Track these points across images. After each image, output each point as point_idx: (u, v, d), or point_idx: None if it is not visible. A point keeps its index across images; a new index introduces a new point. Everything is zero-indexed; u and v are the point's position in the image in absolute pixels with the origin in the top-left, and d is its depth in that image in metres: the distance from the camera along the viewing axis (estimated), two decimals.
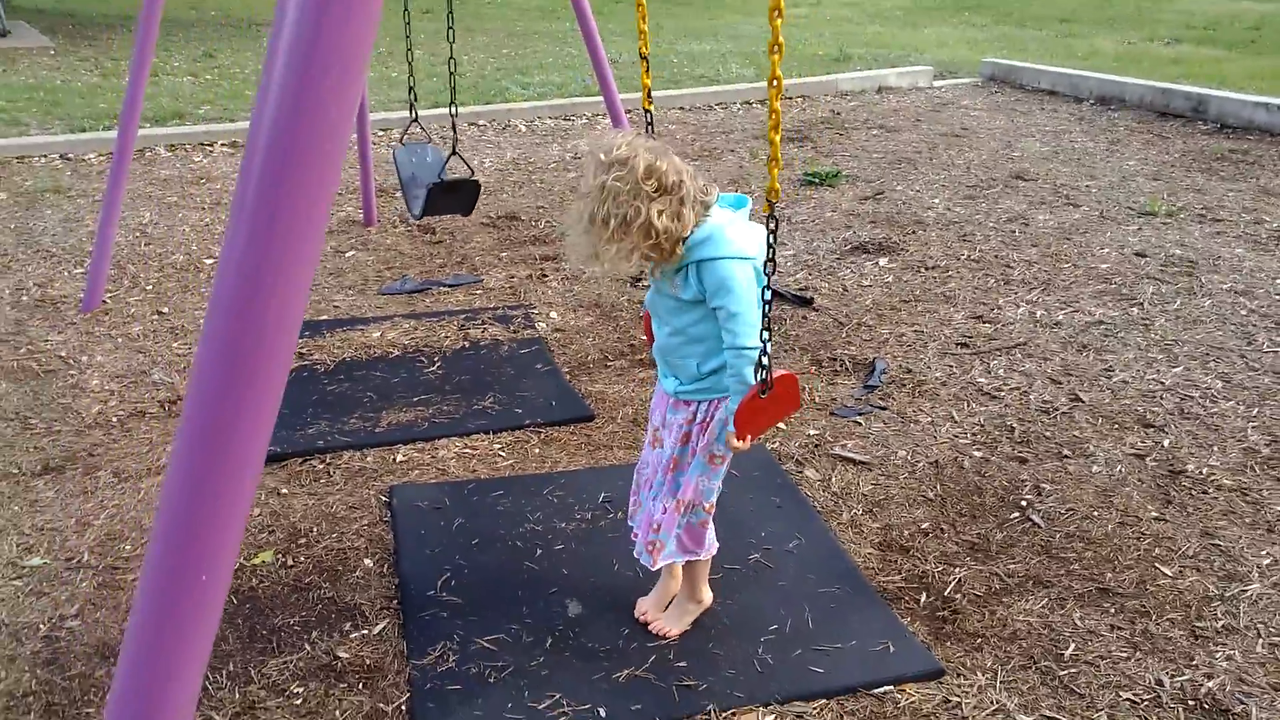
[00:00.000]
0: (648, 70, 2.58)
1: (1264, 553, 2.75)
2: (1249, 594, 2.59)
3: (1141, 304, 4.43)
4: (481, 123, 8.22)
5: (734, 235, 2.16)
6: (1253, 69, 10.01)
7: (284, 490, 3.16)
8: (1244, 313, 4.30)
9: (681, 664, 2.42)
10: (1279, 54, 11.08)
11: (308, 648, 2.47)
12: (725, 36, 13.36)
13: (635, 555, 2.49)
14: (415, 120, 4.85)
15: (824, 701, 2.29)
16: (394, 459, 3.36)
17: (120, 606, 2.61)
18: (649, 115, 2.60)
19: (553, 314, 4.56)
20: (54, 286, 4.78)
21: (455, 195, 4.56)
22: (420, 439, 3.49)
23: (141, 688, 1.04)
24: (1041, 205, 5.88)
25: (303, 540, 2.91)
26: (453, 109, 4.61)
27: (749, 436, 2.22)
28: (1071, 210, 5.76)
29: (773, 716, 2.25)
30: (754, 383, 2.17)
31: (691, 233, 2.15)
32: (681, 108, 8.89)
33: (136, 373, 3.92)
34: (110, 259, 4.61)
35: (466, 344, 4.25)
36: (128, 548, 2.85)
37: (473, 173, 4.63)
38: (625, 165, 2.07)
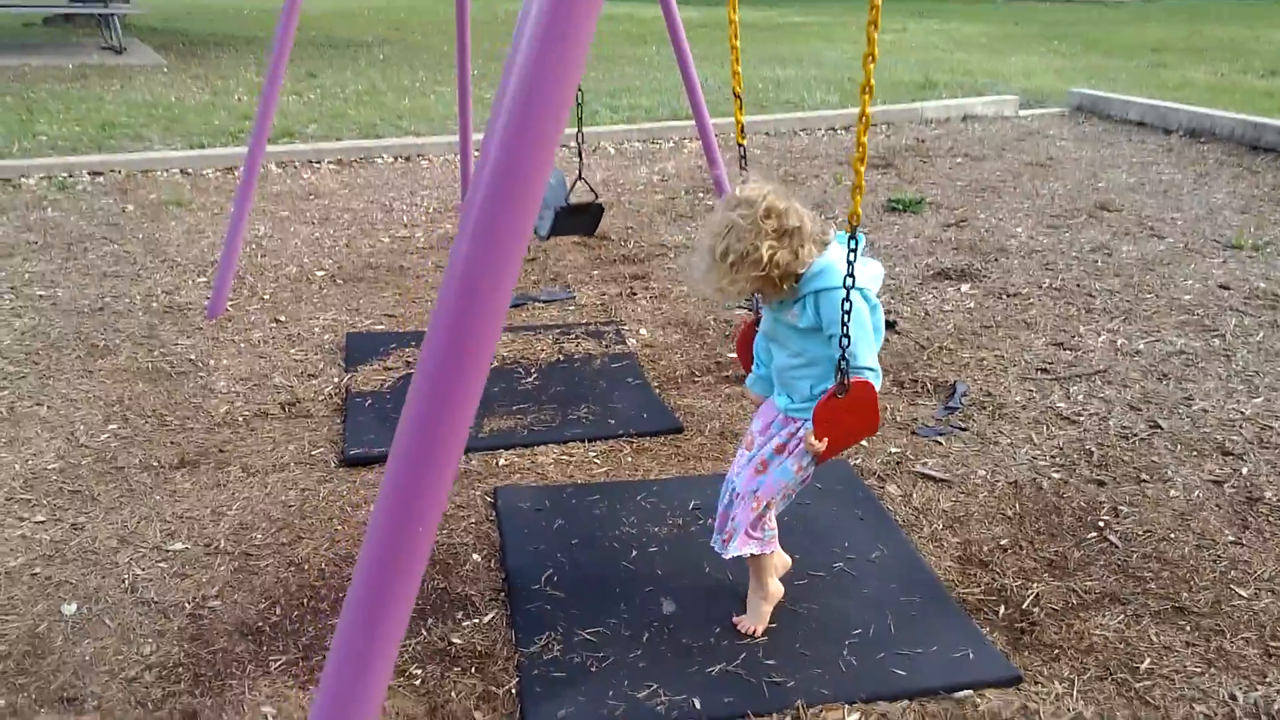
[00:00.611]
0: (741, 107, 2.78)
1: None
2: None
3: (1224, 335, 4.47)
4: (572, 145, 8.50)
5: (844, 264, 2.34)
6: None
7: None
8: None
9: (770, 662, 2.58)
10: None
11: (424, 633, 2.69)
12: (809, 63, 13.52)
13: (711, 543, 2.69)
14: None
15: (906, 702, 2.43)
16: (497, 463, 3.58)
17: (255, 590, 2.86)
18: (742, 150, 2.81)
19: (642, 330, 4.76)
20: (181, 294, 5.15)
21: (580, 217, 4.82)
22: (520, 445, 3.72)
23: (365, 619, 1.27)
24: (1125, 236, 5.91)
25: None
26: (579, 135, 4.85)
27: (826, 440, 2.39)
28: (1156, 242, 5.79)
29: (857, 714, 2.39)
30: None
31: (808, 268, 2.37)
32: (767, 133, 9.08)
33: (259, 376, 4.23)
34: (234, 270, 4.96)
35: (561, 357, 4.47)
36: (258, 536, 3.12)
37: (597, 196, 4.88)
38: (750, 205, 2.31)
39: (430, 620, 2.74)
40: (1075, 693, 2.44)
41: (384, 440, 3.69)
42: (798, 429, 2.51)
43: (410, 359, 4.42)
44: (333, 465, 3.54)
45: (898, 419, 3.84)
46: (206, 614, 2.76)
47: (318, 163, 8.01)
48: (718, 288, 2.38)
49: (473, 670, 2.56)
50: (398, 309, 5.04)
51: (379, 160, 8.18)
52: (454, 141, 8.15)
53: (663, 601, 2.82)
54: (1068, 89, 10.39)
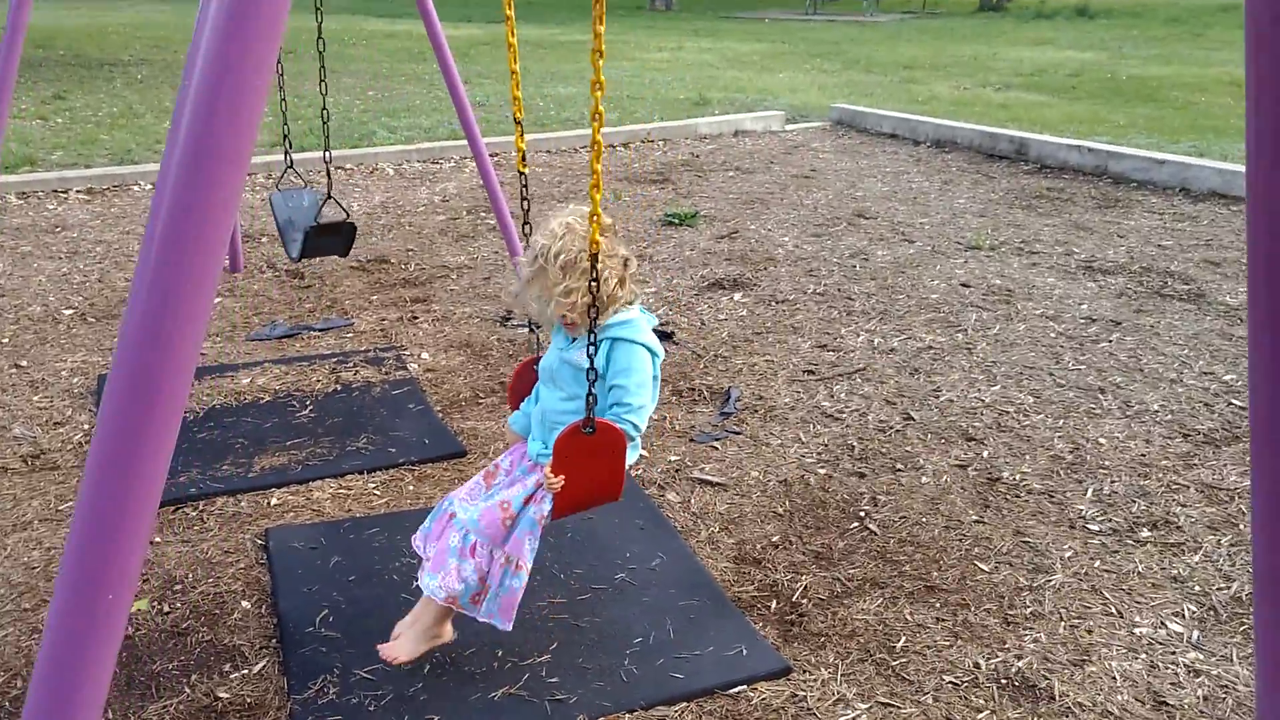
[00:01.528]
0: (522, 135, 2.75)
1: (1066, 546, 3.12)
2: (1053, 583, 2.94)
3: (965, 330, 4.88)
4: (349, 166, 8.28)
5: (650, 332, 2.40)
6: (1071, 114, 10.96)
7: (157, 539, 3.19)
8: (1053, 335, 4.79)
9: (554, 679, 2.59)
10: (1094, 100, 12.15)
11: (188, 690, 2.54)
12: (590, 81, 13.72)
13: (424, 585, 2.45)
14: (291, 166, 4.95)
15: (684, 704, 2.50)
16: (268, 503, 3.43)
17: None
18: (524, 178, 2.77)
19: (424, 354, 4.69)
20: None
21: (332, 237, 4.70)
22: (294, 482, 3.57)
23: (53, 703, 1.17)
24: (880, 241, 6.35)
25: (178, 587, 2.96)
26: (326, 154, 4.73)
27: (563, 478, 2.33)
28: (907, 246, 6.25)
29: None
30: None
31: (617, 312, 2.38)
32: (549, 150, 9.15)
33: None
34: None
35: (339, 387, 4.33)
36: None
37: (348, 215, 4.76)
38: (589, 217, 2.29)
39: (194, 676, 2.58)
40: (839, 677, 2.58)
41: None
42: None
43: None
44: None
45: (676, 428, 3.96)
46: None
47: (64, 192, 7.41)
48: (539, 295, 2.34)
49: None
50: None
51: (135, 187, 7.65)
52: None
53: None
54: (830, 104, 11.05)
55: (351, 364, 4.55)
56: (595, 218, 2.23)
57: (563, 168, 8.58)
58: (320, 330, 4.99)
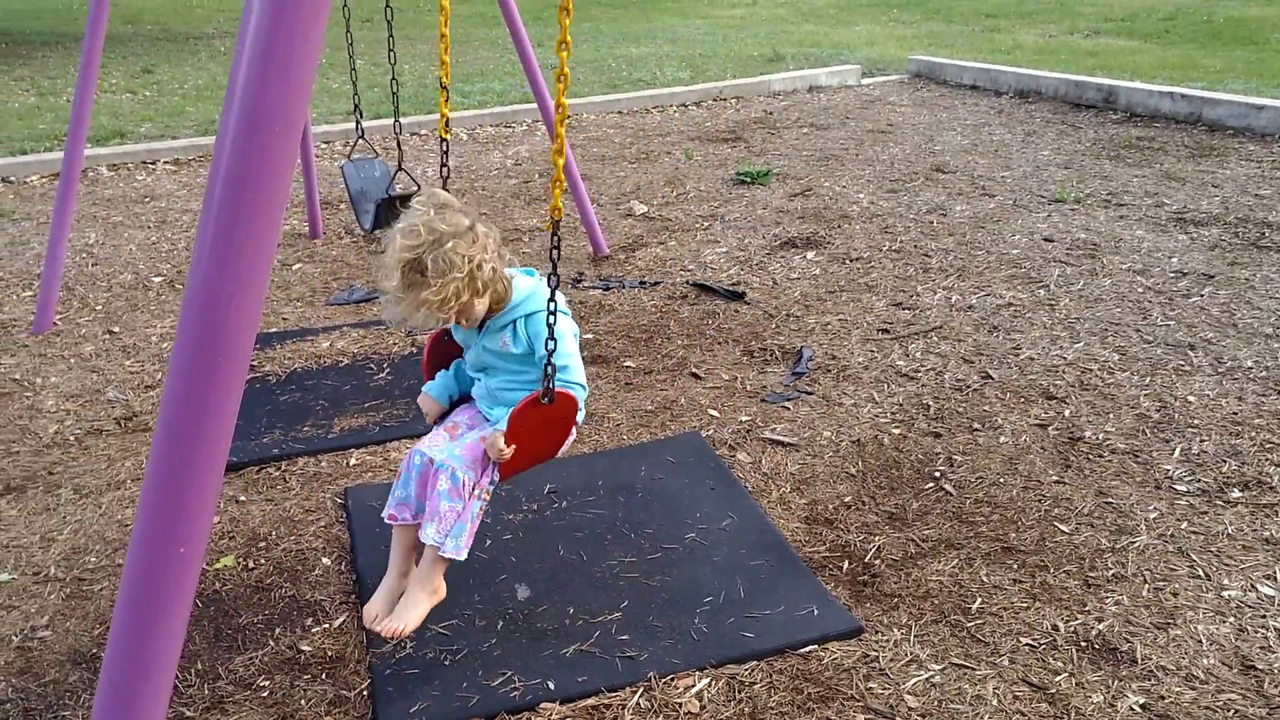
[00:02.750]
0: (447, 100, 2.69)
1: (1151, 508, 3.02)
2: (1137, 545, 2.85)
3: (1048, 286, 4.73)
4: (423, 132, 8.35)
5: (546, 293, 2.33)
6: (1163, 59, 10.47)
7: (242, 498, 3.30)
8: (1140, 290, 4.61)
9: (624, 637, 2.62)
10: (1189, 44, 11.58)
11: (272, 643, 2.63)
12: (663, 39, 13.59)
13: (432, 539, 2.41)
14: (361, 135, 5.03)
15: (755, 663, 2.50)
16: (347, 463, 3.51)
17: (89, 615, 2.74)
18: (445, 144, 2.72)
19: None
20: (3, 310, 4.85)
21: (404, 208, 4.75)
22: (372, 443, 3.65)
23: (130, 653, 1.21)
24: (959, 196, 6.17)
25: (262, 544, 3.06)
26: (396, 125, 4.78)
27: (513, 447, 2.33)
28: (987, 200, 6.06)
29: (708, 679, 2.45)
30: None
31: (511, 292, 2.38)
32: (620, 111, 9.09)
33: (91, 391, 4.03)
34: (59, 280, 4.69)
35: (414, 349, 4.40)
36: (92, 560, 2.98)
37: (419, 186, 4.82)
38: (447, 209, 2.27)
39: (278, 629, 2.67)
40: (912, 638, 2.55)
41: (234, 446, 3.56)
42: None
43: (255, 361, 4.28)
44: None
45: (748, 388, 3.93)
46: (36, 645, 2.63)
47: (153, 164, 7.63)
48: (416, 305, 2.23)
49: (323, 677, 2.51)
50: None
51: None
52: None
53: (517, 588, 2.82)
54: (908, 56, 10.74)
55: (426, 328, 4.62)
56: (557, 183, 2.21)
57: (634, 128, 8.52)
58: None
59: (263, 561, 2.97)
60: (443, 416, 2.67)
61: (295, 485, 3.38)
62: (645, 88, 9.88)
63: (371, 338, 4.50)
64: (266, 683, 2.49)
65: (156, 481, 1.20)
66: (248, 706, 2.42)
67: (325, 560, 2.98)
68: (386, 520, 2.56)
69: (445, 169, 2.70)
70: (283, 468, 3.48)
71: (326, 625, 2.70)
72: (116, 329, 4.65)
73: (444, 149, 2.71)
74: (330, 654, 2.59)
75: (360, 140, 5.02)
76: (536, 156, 7.67)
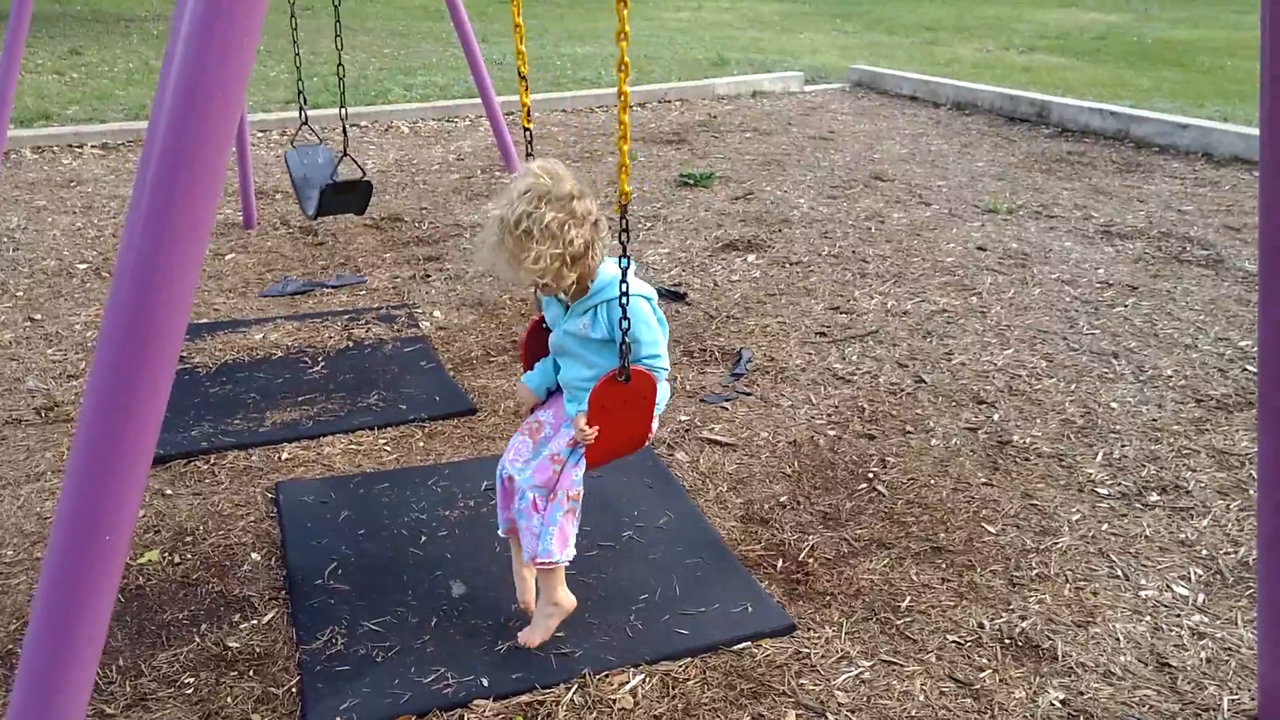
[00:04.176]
0: (527, 90, 2.73)
1: (1074, 510, 3.11)
2: (1059, 546, 2.93)
3: (980, 293, 4.84)
4: (364, 123, 8.24)
5: (632, 277, 2.33)
6: (1094, 77, 10.78)
7: (168, 491, 3.23)
8: (1068, 299, 4.74)
9: (559, 634, 2.60)
10: (1119, 63, 11.94)
11: (197, 640, 2.57)
12: (607, 39, 13.58)
13: (527, 557, 2.50)
14: (305, 123, 4.94)
15: (689, 660, 2.51)
16: (279, 457, 3.45)
17: (5, 610, 2.65)
18: (529, 134, 2.74)
19: (436, 313, 4.69)
20: None
21: (348, 195, 4.70)
22: (305, 437, 3.59)
23: (50, 645, 1.18)
24: (897, 204, 6.29)
25: (189, 539, 2.99)
26: (342, 111, 4.71)
27: (596, 429, 2.35)
28: (923, 209, 6.18)
29: (642, 675, 2.46)
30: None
31: (596, 276, 2.35)
32: (564, 110, 9.07)
33: (10, 380, 3.90)
34: None
35: (350, 344, 4.34)
36: (9, 553, 2.89)
37: (364, 174, 4.76)
38: (555, 177, 2.24)
39: (204, 626, 2.62)
40: (843, 635, 2.59)
41: (161, 439, 3.47)
42: None
43: (184, 353, 4.18)
44: None
45: (686, 388, 3.95)
46: None
47: (79, 147, 7.41)
48: (509, 261, 2.26)
49: (250, 673, 2.46)
50: None
51: None
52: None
53: (452, 585, 2.80)
54: (849, 65, 10.90)
55: (364, 321, 4.56)
56: (624, 169, 2.20)
57: (578, 127, 8.52)
58: (333, 287, 4.99)
59: (189, 556, 2.91)
60: (536, 408, 2.64)
61: (224, 479, 3.31)
62: (590, 87, 9.88)
63: (306, 330, 4.43)
64: (191, 680, 2.44)
65: (82, 465, 1.17)
66: (171, 704, 2.36)
67: (254, 555, 2.92)
68: (502, 535, 2.65)
69: (530, 155, 2.62)
70: (211, 461, 3.41)
71: (255, 621, 2.64)
72: (38, 316, 4.51)
73: (529, 137, 2.70)
74: (258, 650, 2.54)
75: (304, 126, 4.94)
76: (479, 152, 7.62)
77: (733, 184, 6.77)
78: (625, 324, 2.29)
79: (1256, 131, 7.16)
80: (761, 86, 10.10)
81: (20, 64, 4.27)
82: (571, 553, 2.48)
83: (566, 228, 2.23)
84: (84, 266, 5.15)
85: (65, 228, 5.70)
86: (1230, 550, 2.89)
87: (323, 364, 4.15)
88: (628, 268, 2.26)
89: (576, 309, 2.39)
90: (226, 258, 5.35)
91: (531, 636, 2.54)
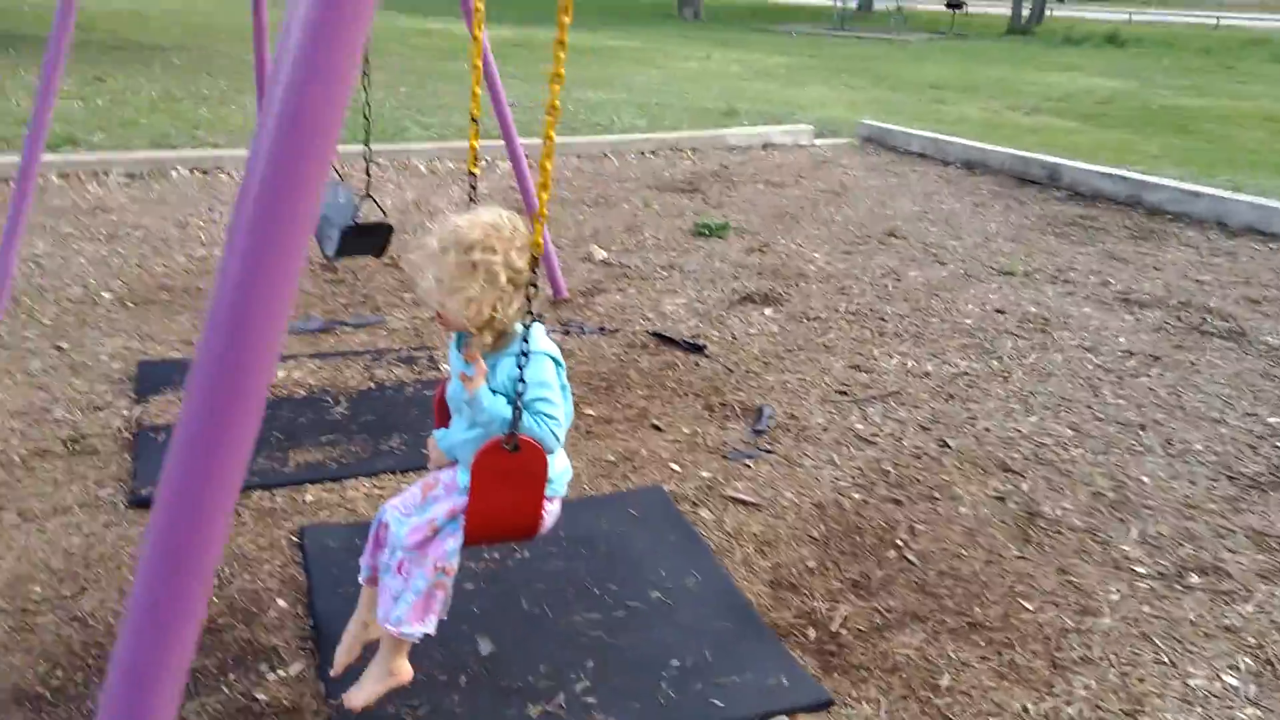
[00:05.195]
0: (477, 134, 2.64)
1: (1112, 588, 3.08)
2: (1101, 626, 2.90)
3: (1001, 357, 4.84)
4: (381, 160, 8.25)
5: (547, 339, 2.26)
6: (1101, 141, 10.91)
7: None
8: (1091, 367, 4.75)
9: (591, 700, 2.56)
10: (1124, 127, 12.10)
11: (225, 690, 2.52)
12: (620, 87, 13.73)
13: (379, 617, 2.33)
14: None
15: None
16: (303, 499, 3.41)
17: (33, 649, 2.60)
18: (473, 178, 2.66)
19: None
20: None
21: (368, 238, 4.69)
22: (329, 479, 3.55)
23: (137, 676, 1.17)
24: (912, 262, 6.32)
25: (215, 581, 2.94)
26: (367, 151, 4.72)
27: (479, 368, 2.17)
28: (939, 268, 6.21)
29: None
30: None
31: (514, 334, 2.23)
32: (578, 155, 9.13)
33: (38, 410, 3.86)
34: (8, 292, 4.50)
35: (373, 385, 4.32)
36: (37, 589, 2.83)
37: (386, 215, 4.76)
38: (503, 216, 2.18)
39: (232, 675, 2.56)
40: (883, 713, 2.55)
41: None
42: None
43: None
44: (121, 507, 3.27)
45: (709, 443, 3.93)
46: None
47: (105, 174, 7.41)
48: (445, 280, 2.12)
49: None
50: (195, 335, 4.73)
51: (174, 173, 7.65)
52: None
53: (479, 641, 2.75)
54: (858, 120, 11.01)
55: (385, 362, 4.54)
56: (540, 218, 2.11)
57: (592, 173, 8.56)
58: (353, 326, 4.97)
59: (215, 600, 2.85)
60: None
61: (249, 520, 3.27)
62: (603, 132, 9.95)
63: (328, 369, 4.40)
64: None
65: (176, 489, 1.16)
66: None
67: (281, 602, 2.87)
68: (362, 583, 2.50)
69: (473, 201, 2.58)
70: (237, 501, 3.36)
71: (283, 673, 2.59)
72: (64, 345, 4.47)
73: (471, 184, 2.64)
74: (286, 704, 2.49)
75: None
76: (496, 193, 7.64)
77: (748, 235, 6.80)
78: (521, 387, 2.13)
79: (1269, 202, 7.24)
80: (772, 138, 10.19)
81: (56, 92, 4.27)
82: (427, 629, 2.30)
83: (509, 289, 2.15)
84: (108, 296, 5.12)
85: (91, 255, 5.68)
86: (1279, 638, 2.87)
87: (345, 405, 4.12)
88: (530, 325, 2.16)
89: (492, 358, 2.26)
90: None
91: (356, 698, 2.35)
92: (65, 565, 2.96)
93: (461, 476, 2.37)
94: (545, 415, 2.22)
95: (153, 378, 4.21)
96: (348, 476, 3.58)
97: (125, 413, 3.89)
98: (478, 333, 2.21)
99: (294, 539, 3.18)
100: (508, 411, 2.18)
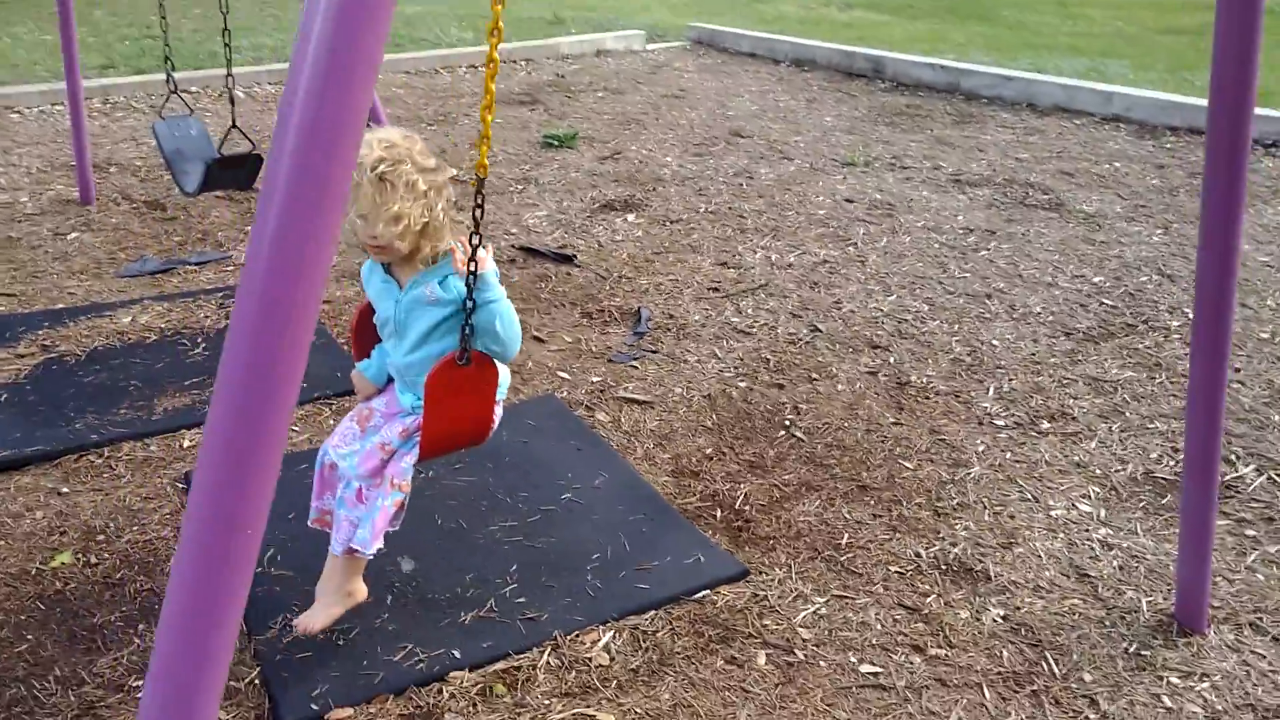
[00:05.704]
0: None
1: (978, 441, 3.34)
2: (972, 475, 3.15)
3: (856, 244, 5.07)
4: (194, 89, 7.70)
5: (484, 255, 2.20)
6: (913, 32, 11.33)
7: (64, 489, 2.99)
8: (936, 246, 5.03)
9: (521, 599, 2.61)
10: (932, 18, 12.58)
11: (137, 641, 2.42)
12: None
13: (335, 549, 2.34)
14: (175, 91, 4.60)
15: (653, 612, 2.57)
16: (181, 445, 3.26)
17: None
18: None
19: None
20: None
21: (235, 169, 4.41)
22: (204, 422, 3.39)
23: (184, 653, 1.14)
24: (761, 160, 6.46)
25: (101, 537, 2.79)
26: (230, 80, 4.41)
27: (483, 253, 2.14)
28: (787, 163, 6.38)
29: (611, 632, 2.50)
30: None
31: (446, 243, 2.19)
32: (407, 71, 8.78)
33: None
34: None
35: (229, 322, 4.11)
36: None
37: (254, 145, 4.48)
38: (409, 137, 2.14)
39: (141, 625, 2.47)
40: (794, 575, 2.71)
41: (34, 439, 3.21)
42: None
43: (46, 341, 3.85)
44: None
45: (593, 349, 3.97)
46: None
47: None
48: (368, 207, 2.07)
49: None
50: (15, 286, 4.36)
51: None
52: (58, 90, 7.10)
53: (400, 561, 2.74)
54: (683, 24, 11.01)
55: None
56: (485, 140, 2.05)
57: (425, 89, 8.27)
58: (196, 264, 4.70)
59: (106, 555, 2.72)
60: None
61: (125, 472, 3.10)
62: (429, 47, 9.58)
63: (178, 311, 4.16)
64: (139, 683, 2.30)
65: (217, 459, 1.11)
66: (124, 710, 2.23)
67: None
68: (311, 525, 2.46)
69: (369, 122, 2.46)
70: (105, 454, 3.18)
71: None
72: None
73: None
74: None
75: (174, 95, 4.61)
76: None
77: (597, 144, 6.76)
78: (471, 302, 2.13)
79: (1073, 82, 7.75)
80: (605, 45, 10.08)
81: None
82: (380, 546, 2.30)
83: (430, 193, 2.12)
84: None
85: None
86: (1119, 468, 3.19)
87: (204, 345, 3.92)
88: (478, 245, 2.11)
89: (419, 280, 2.24)
90: (70, 237, 4.93)
91: (313, 621, 2.34)
92: None
93: (404, 398, 2.37)
94: (490, 345, 2.22)
95: None
96: None
97: None
98: (417, 249, 2.16)
99: (180, 486, 3.05)
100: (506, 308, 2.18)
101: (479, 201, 2.07)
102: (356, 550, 2.30)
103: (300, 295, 1.10)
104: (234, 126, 4.32)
